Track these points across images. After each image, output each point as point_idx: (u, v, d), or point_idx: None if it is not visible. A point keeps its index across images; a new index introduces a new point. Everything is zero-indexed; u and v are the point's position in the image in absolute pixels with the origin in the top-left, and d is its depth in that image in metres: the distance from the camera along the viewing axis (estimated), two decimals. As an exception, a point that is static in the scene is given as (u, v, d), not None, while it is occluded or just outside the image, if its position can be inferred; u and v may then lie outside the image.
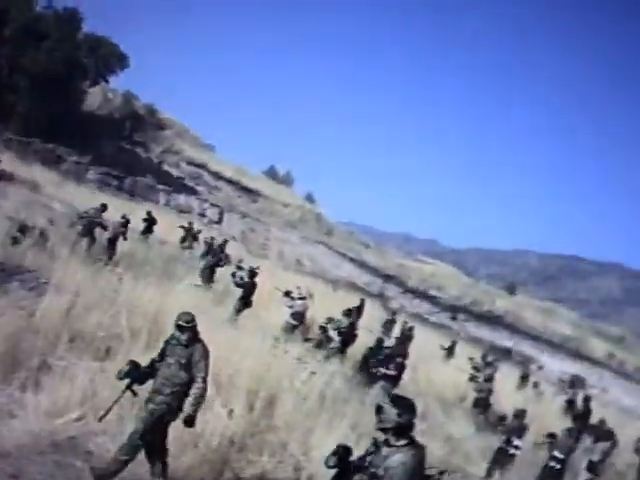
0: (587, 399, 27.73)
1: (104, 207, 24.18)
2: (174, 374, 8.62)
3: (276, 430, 10.16)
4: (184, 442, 8.94)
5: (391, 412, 6.28)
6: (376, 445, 6.32)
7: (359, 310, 27.79)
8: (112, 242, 23.22)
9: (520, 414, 17.64)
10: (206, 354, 8.79)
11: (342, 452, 6.19)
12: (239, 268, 24.34)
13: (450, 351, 31.16)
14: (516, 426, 17.21)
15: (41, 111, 50.97)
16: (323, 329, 21.42)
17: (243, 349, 12.41)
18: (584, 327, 68.72)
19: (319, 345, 19.99)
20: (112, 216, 24.55)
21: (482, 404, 22.88)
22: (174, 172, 60.90)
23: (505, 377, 31.59)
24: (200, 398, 8.52)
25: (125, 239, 23.82)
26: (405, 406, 6.48)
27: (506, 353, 53.42)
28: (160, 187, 57.70)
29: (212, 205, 60.34)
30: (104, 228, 23.25)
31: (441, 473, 6.65)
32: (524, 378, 35.28)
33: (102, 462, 8.44)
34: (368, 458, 6.25)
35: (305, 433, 10.13)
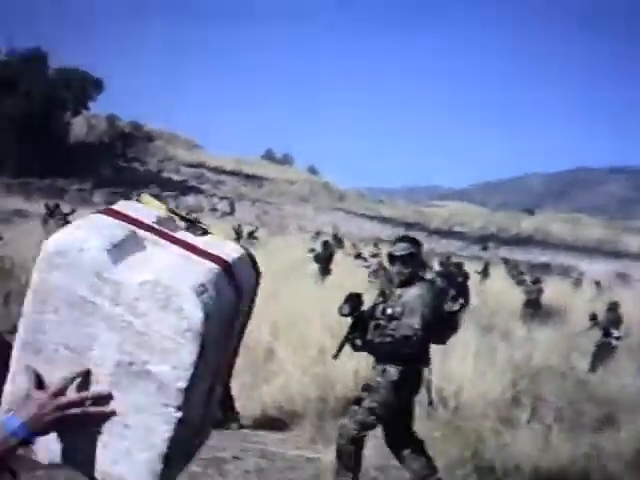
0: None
1: None
2: None
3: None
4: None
5: (416, 256, 6.30)
6: (383, 294, 6.25)
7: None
8: None
9: (613, 307, 17.77)
10: None
11: (355, 299, 6.08)
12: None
13: (484, 273, 30.86)
14: (612, 318, 17.26)
15: (31, 151, 51.12)
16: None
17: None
18: (613, 227, 68.49)
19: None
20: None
21: (533, 305, 22.98)
22: (175, 177, 60.85)
23: (556, 287, 31.36)
24: None
25: None
26: (416, 241, 6.51)
27: (545, 268, 52.98)
28: (166, 194, 57.55)
29: (221, 199, 60.27)
30: None
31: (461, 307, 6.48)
32: (578, 281, 35.13)
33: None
34: (379, 307, 6.12)
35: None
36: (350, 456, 5.98)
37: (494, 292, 26.06)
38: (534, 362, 12.91)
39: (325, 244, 24.30)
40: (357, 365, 9.19)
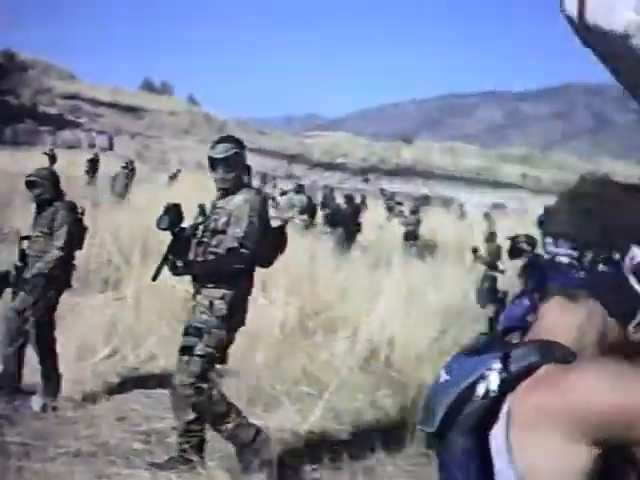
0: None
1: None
2: (42, 249, 7.11)
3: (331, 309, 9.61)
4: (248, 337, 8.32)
5: (241, 158, 5.64)
6: (203, 211, 5.66)
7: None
8: None
9: (490, 238, 17.25)
10: (71, 216, 7.22)
11: (174, 211, 5.49)
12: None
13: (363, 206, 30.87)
14: (493, 249, 16.47)
15: None
16: None
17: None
18: (490, 156, 69.73)
19: None
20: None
21: (412, 237, 23.03)
22: (51, 110, 58.42)
23: (438, 218, 31.84)
24: (48, 263, 6.95)
25: None
26: (238, 141, 5.81)
27: (424, 200, 53.64)
28: (42, 129, 55.51)
29: (99, 133, 58.40)
30: None
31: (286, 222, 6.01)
32: (462, 214, 35.78)
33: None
34: (201, 223, 5.57)
35: (357, 305, 9.64)
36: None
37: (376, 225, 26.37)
38: (447, 304, 12.66)
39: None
40: (284, 315, 8.94)
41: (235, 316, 5.40)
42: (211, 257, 5.35)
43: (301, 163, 62.80)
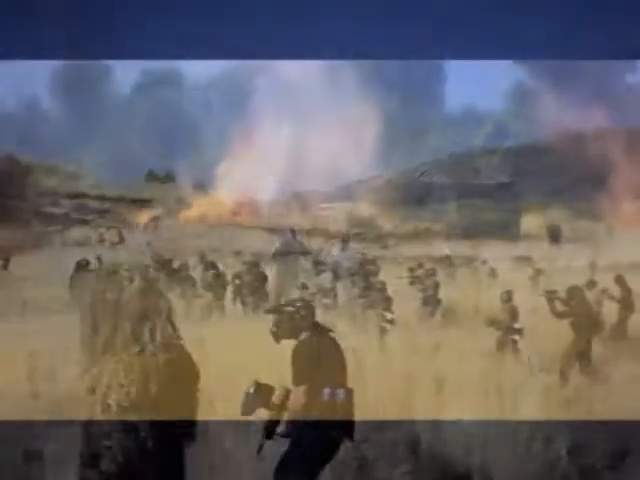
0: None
1: None
2: None
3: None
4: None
5: None
6: None
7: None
8: None
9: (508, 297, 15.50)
10: None
11: None
12: None
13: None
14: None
15: None
16: None
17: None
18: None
19: None
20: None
21: (432, 301, 21.35)
22: (56, 211, 57.78)
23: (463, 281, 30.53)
24: None
25: None
26: None
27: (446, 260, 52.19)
28: (49, 229, 54.69)
29: (108, 228, 57.43)
30: None
31: None
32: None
33: None
34: None
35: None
36: None
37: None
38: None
39: None
40: None
41: None
42: None
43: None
